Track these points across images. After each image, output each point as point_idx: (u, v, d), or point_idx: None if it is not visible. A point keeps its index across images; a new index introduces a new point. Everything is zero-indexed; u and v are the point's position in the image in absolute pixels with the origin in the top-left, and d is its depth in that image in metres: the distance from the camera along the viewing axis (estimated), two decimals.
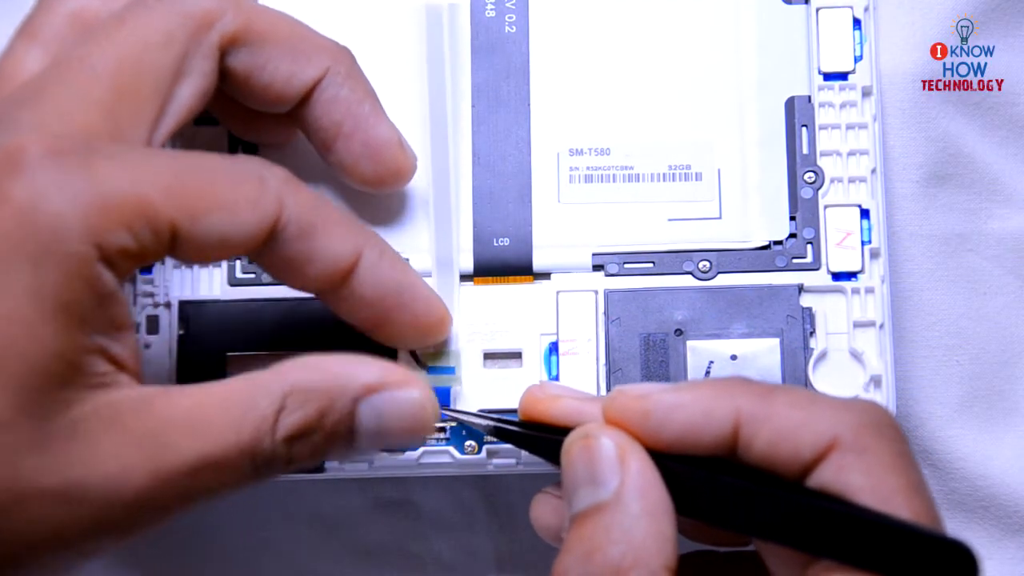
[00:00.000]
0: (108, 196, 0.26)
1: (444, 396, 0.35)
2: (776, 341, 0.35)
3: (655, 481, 0.26)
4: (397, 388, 0.29)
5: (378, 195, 0.35)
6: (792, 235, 0.36)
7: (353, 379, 0.28)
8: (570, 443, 0.27)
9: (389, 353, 0.34)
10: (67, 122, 0.27)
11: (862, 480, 0.25)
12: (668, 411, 0.26)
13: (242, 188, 0.28)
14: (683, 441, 0.26)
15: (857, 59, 0.37)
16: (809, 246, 0.36)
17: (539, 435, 0.30)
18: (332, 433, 0.28)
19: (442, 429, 0.35)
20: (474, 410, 0.35)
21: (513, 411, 0.34)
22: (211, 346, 0.35)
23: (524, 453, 0.34)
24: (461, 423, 0.34)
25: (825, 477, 0.25)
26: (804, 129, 0.36)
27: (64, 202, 0.25)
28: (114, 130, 0.28)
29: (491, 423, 0.32)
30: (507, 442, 0.31)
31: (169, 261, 0.35)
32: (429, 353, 0.35)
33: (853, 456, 0.25)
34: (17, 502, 0.25)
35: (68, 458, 0.26)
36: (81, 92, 0.28)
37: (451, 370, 0.35)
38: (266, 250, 0.29)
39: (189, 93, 0.30)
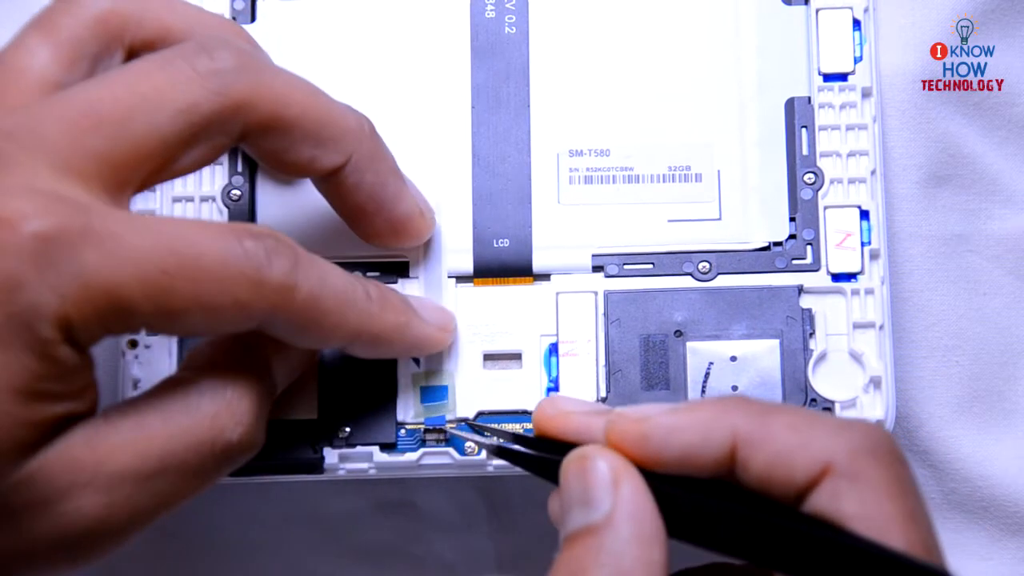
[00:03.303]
0: (88, 289, 0.25)
1: (440, 423, 0.35)
2: (776, 342, 0.35)
3: (647, 506, 0.26)
4: None
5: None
6: (792, 236, 0.36)
7: None
8: (567, 463, 0.27)
9: (389, 364, 0.35)
10: (61, 168, 0.26)
11: (855, 508, 0.24)
12: (666, 434, 0.26)
13: (233, 289, 0.27)
14: (682, 463, 0.26)
15: (857, 60, 0.37)
16: (809, 247, 0.36)
17: (539, 455, 0.29)
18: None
19: (442, 431, 0.35)
20: (473, 412, 0.35)
21: (512, 412, 0.34)
22: None
23: None
24: (464, 440, 0.34)
25: (820, 503, 0.24)
26: (804, 130, 0.36)
27: (42, 291, 0.25)
28: (106, 180, 0.27)
29: (494, 443, 0.31)
30: (509, 462, 0.30)
31: None
32: (423, 373, 0.35)
33: (847, 482, 0.24)
34: None
35: (20, 507, 0.26)
36: (81, 136, 0.27)
37: (444, 394, 0.35)
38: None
39: (197, 156, 0.29)
